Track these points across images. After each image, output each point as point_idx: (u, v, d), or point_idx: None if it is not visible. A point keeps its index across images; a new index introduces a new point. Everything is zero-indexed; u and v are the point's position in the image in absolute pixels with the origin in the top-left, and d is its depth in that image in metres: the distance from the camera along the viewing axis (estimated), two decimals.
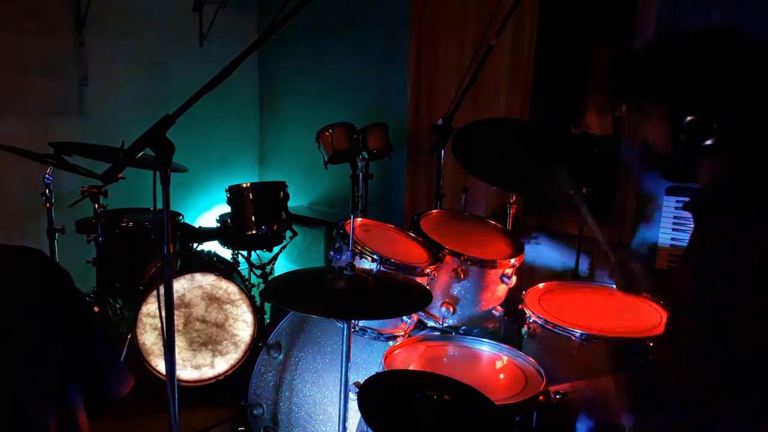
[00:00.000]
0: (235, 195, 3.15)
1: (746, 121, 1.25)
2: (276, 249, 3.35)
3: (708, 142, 1.25)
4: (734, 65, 1.25)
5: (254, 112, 4.86)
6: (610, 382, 1.68)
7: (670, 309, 1.42)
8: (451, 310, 2.30)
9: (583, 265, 3.06)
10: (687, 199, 1.52)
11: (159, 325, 2.75)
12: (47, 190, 2.82)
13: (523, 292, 2.27)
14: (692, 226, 1.35)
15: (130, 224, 3.09)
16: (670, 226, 2.64)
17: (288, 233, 3.29)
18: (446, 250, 2.28)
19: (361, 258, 2.09)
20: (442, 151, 2.84)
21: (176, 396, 1.66)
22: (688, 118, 1.25)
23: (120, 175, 1.59)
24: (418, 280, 2.10)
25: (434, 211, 2.68)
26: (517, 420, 1.68)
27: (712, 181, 1.31)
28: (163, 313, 1.61)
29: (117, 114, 3.94)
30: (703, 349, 1.21)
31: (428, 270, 2.16)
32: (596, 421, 1.53)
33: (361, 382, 1.59)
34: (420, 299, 1.82)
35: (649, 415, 1.30)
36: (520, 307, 2.21)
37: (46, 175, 2.81)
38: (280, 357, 2.22)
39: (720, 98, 1.25)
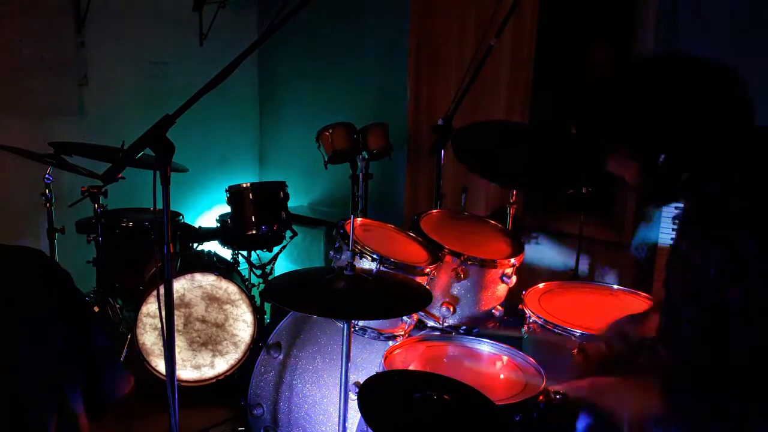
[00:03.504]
0: (235, 195, 3.15)
1: (716, 145, 1.24)
2: (276, 249, 3.35)
3: (686, 175, 1.24)
4: (693, 96, 1.24)
5: (254, 112, 4.86)
6: (610, 382, 1.68)
7: (664, 312, 1.42)
8: (451, 309, 2.30)
9: (583, 265, 3.06)
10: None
11: (159, 325, 2.75)
12: (47, 190, 2.82)
13: (523, 292, 2.27)
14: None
15: (130, 224, 3.09)
16: (671, 226, 2.63)
17: (288, 233, 3.29)
18: (446, 250, 2.28)
19: (361, 258, 2.09)
20: (442, 151, 2.84)
21: (176, 396, 1.66)
22: (662, 158, 1.24)
23: (120, 175, 1.60)
24: (418, 279, 2.10)
25: (434, 211, 2.68)
26: (517, 420, 1.68)
27: (696, 199, 1.31)
28: (163, 313, 1.61)
29: (117, 114, 3.93)
30: (697, 351, 1.21)
31: (428, 270, 2.16)
32: (596, 421, 1.53)
33: (361, 382, 1.60)
34: (420, 299, 1.83)
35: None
36: (520, 307, 2.21)
37: (46, 175, 2.81)
38: (280, 357, 2.22)
39: (685, 132, 1.24)
